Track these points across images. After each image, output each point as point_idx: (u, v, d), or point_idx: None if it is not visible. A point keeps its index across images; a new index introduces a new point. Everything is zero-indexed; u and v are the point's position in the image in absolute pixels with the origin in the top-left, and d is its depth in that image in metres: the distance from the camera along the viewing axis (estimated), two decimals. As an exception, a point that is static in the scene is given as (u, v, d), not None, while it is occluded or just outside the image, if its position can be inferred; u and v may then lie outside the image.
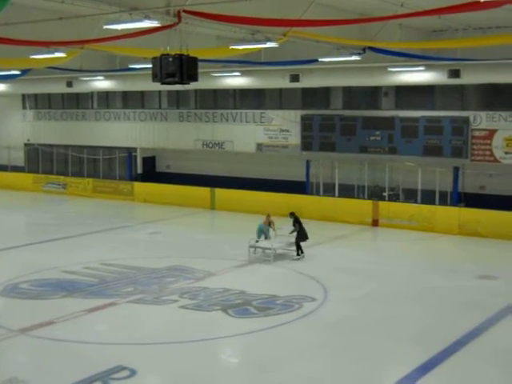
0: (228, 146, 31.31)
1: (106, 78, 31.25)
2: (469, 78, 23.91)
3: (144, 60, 21.37)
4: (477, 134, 25.04)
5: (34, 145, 38.55)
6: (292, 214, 20.51)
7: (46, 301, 16.28)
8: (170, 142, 33.30)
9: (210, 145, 31.89)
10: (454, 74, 23.47)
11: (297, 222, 20.24)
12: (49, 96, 37.86)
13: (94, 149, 35.92)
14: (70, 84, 32.72)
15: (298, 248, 20.18)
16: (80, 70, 25.86)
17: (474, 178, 26.00)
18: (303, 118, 28.74)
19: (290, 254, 20.37)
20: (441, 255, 22.26)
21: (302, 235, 20.21)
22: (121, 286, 17.47)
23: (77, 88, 33.33)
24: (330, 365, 12.42)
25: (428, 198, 25.73)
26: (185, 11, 13.69)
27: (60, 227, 26.15)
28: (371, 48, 19.88)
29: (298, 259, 20.04)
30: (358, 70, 25.25)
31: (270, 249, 20.15)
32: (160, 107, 34.04)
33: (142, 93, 34.11)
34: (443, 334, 13.72)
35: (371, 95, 28.42)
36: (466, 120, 25.10)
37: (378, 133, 26.79)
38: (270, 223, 20.99)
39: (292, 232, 20.21)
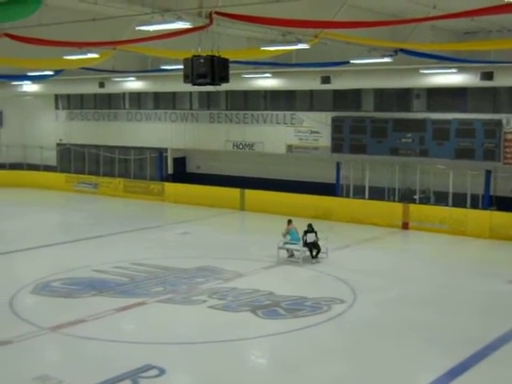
0: (258, 147, 31.30)
1: (138, 78, 31.44)
2: (502, 81, 23.63)
3: (175, 61, 21.47)
4: (509, 136, 24.72)
5: (66, 145, 38.87)
6: (310, 225, 20.36)
7: (77, 299, 16.43)
8: (201, 143, 33.37)
9: (241, 146, 31.91)
10: (487, 76, 23.22)
11: (314, 232, 20.16)
12: (81, 96, 38.15)
13: (125, 149, 36.14)
14: (102, 85, 32.98)
15: (312, 251, 20.11)
16: (112, 71, 26.08)
17: (506, 182, 25.68)
18: (334, 120, 28.62)
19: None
20: (471, 259, 22.05)
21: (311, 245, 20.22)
22: (150, 285, 17.58)
23: (109, 89, 33.59)
24: (358, 368, 12.35)
25: (459, 201, 25.48)
26: (217, 13, 13.72)
27: (91, 226, 26.36)
28: (403, 50, 19.75)
29: (318, 261, 19.98)
30: (390, 72, 25.09)
31: (298, 250, 20.15)
32: (191, 108, 34.12)
33: (174, 94, 34.24)
34: (472, 339, 13.58)
35: (403, 97, 28.19)
36: (499, 123, 24.81)
37: (409, 135, 26.57)
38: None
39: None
